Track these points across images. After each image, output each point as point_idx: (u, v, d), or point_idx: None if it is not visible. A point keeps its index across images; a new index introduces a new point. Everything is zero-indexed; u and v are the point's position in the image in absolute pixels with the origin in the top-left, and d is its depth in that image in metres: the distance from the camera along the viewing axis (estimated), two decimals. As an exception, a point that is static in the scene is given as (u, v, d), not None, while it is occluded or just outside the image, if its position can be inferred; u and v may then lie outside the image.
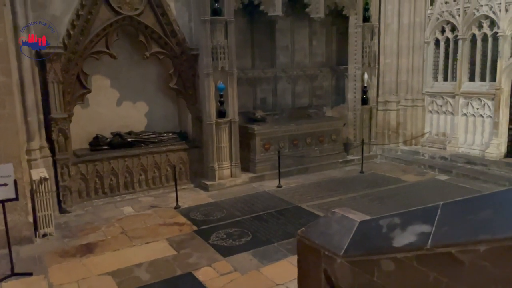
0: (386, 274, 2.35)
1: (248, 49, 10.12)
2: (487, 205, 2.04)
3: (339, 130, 10.35)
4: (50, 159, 7.22)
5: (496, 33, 8.89)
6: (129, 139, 8.30)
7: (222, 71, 8.42)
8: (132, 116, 8.78)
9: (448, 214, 2.20)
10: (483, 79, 9.46)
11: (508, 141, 9.22)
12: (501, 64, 8.87)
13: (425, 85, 10.58)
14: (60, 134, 7.28)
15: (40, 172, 6.58)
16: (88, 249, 5.89)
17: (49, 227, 6.37)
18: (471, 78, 9.71)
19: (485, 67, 9.36)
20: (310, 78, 11.11)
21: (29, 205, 6.21)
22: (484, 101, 9.37)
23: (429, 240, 2.11)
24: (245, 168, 9.21)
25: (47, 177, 6.44)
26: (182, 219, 7.00)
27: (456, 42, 9.80)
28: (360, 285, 2.53)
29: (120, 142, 8.23)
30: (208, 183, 8.60)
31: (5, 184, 4.94)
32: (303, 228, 3.25)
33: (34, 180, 6.31)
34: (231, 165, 8.84)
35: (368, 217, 2.82)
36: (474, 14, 9.27)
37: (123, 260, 5.52)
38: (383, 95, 10.88)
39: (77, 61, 7.49)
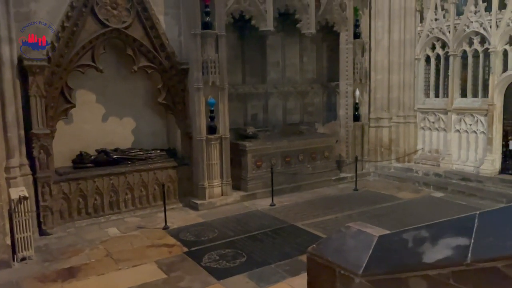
0: (416, 293, 2.05)
1: (239, 64, 9.94)
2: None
3: (332, 147, 10.14)
4: (30, 177, 6.80)
5: (487, 49, 8.90)
6: (115, 156, 7.92)
7: (213, 86, 8.18)
8: (118, 133, 8.42)
9: (488, 225, 1.94)
10: (475, 95, 9.42)
11: (502, 157, 9.13)
12: (493, 80, 8.85)
13: (417, 101, 10.52)
14: (41, 151, 6.88)
15: (20, 191, 6.14)
16: (70, 273, 5.43)
17: (28, 250, 5.90)
18: (463, 94, 9.67)
19: (477, 83, 9.34)
20: (301, 94, 10.96)
21: (7, 226, 5.72)
22: (477, 117, 9.31)
23: (469, 254, 1.84)
24: (236, 186, 8.88)
25: (27, 196, 6.00)
26: (171, 240, 6.60)
27: (447, 59, 9.79)
28: (386, 307, 2.21)
29: (106, 160, 7.85)
30: (198, 202, 8.23)
31: (-20, 203, 4.52)
32: (314, 245, 2.92)
33: (13, 199, 5.85)
34: (222, 183, 8.50)
35: (386, 231, 2.54)
36: (465, 31, 9.29)
37: (108, 285, 5.12)
38: (374, 112, 10.76)
39: (61, 75, 7.17)
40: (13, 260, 5.74)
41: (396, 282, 2.20)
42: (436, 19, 9.86)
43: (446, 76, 9.91)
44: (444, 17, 9.68)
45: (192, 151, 8.50)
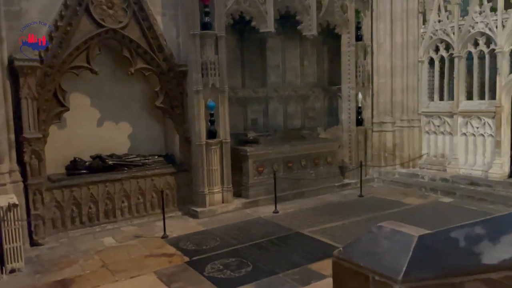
0: (474, 301, 1.71)
1: (238, 68, 9.65)
2: None
3: (335, 152, 9.84)
4: (21, 184, 6.40)
5: (493, 50, 8.68)
6: (110, 162, 7.55)
7: (213, 88, 7.88)
8: (114, 138, 8.06)
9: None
10: (481, 97, 9.18)
11: (511, 161, 8.87)
12: (500, 81, 8.62)
13: (421, 105, 10.26)
14: (33, 156, 6.50)
15: (9, 198, 5.74)
16: (63, 286, 5.03)
17: (18, 261, 5.49)
18: (469, 97, 9.43)
19: (483, 85, 9.11)
20: (302, 98, 10.68)
21: (-6, 236, 5.35)
22: (484, 119, 9.05)
23: (546, 252, 1.51)
24: (237, 193, 8.53)
25: (17, 203, 5.61)
26: (171, 250, 6.22)
27: (451, 61, 9.57)
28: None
29: (101, 166, 7.48)
30: (198, 209, 7.86)
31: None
32: (340, 249, 2.56)
33: (2, 207, 5.46)
34: (222, 189, 8.14)
35: (424, 231, 2.21)
36: (469, 32, 9.09)
37: (104, 298, 4.71)
38: (378, 116, 10.49)
39: (54, 76, 6.82)
40: (2, 272, 5.35)
41: (447, 288, 1.86)
42: (439, 21, 9.66)
43: (450, 78, 9.67)
44: (447, 18, 9.48)
45: (191, 156, 8.16)
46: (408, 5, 10.02)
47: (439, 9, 9.66)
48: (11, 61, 6.32)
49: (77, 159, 7.40)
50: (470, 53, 9.25)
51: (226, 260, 5.70)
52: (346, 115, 10.07)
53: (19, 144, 6.44)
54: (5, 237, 5.44)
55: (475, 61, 9.18)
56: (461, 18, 9.23)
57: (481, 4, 8.84)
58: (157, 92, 7.97)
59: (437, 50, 9.91)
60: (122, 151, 8.03)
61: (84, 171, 7.33)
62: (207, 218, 7.74)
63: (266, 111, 10.10)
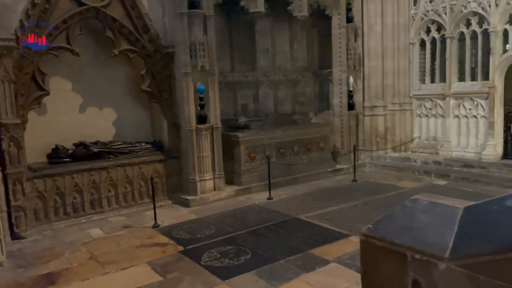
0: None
1: (227, 51, 9.29)
2: None
3: (327, 137, 9.62)
4: (-1, 174, 5.97)
5: (486, 29, 8.55)
6: (95, 150, 7.14)
7: (202, 71, 7.51)
8: (98, 125, 7.63)
9: None
10: (474, 78, 9.07)
11: (504, 142, 8.81)
12: (493, 61, 8.51)
13: (412, 88, 10.11)
14: (11, 143, 6.06)
15: (-14, 188, 5.33)
16: (49, 280, 4.66)
17: (-2, 255, 5.10)
18: (461, 78, 9.32)
19: (476, 66, 9.00)
20: (292, 83, 10.40)
21: (-29, 229, 4.94)
22: (477, 101, 8.95)
23: None
24: (229, 180, 8.22)
25: (-5, 194, 5.20)
26: (163, 239, 5.90)
27: (443, 42, 9.42)
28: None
29: (85, 154, 7.06)
30: (189, 198, 7.53)
31: None
32: (369, 226, 2.27)
33: (-22, 198, 5.05)
34: (214, 176, 7.83)
35: (469, 202, 1.96)
36: (462, 11, 8.94)
37: (95, 291, 4.37)
38: (369, 100, 10.30)
39: (32, 58, 6.35)
40: (-20, 267, 4.94)
41: (508, 264, 1.61)
42: (431, 1, 9.48)
43: (442, 60, 9.54)
44: (439, -2, 9.31)
45: (181, 143, 7.80)
46: (399, -14, 9.82)
47: (430, -11, 9.49)
48: (-16, 41, 5.83)
49: (59, 146, 6.96)
50: (462, 33, 9.11)
51: (223, 248, 5.41)
52: (338, 99, 9.84)
53: (-4, 130, 5.98)
54: (-17, 230, 5.04)
55: (467, 41, 9.05)
56: (453, -2, 9.07)
57: (473, -17, 8.69)
58: (143, 76, 7.56)
59: (428, 31, 9.75)
60: (106, 139, 7.61)
61: (67, 159, 6.91)
62: (199, 207, 7.42)
63: (256, 96, 9.79)
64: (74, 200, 6.80)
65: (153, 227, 6.41)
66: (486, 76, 8.76)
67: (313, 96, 10.73)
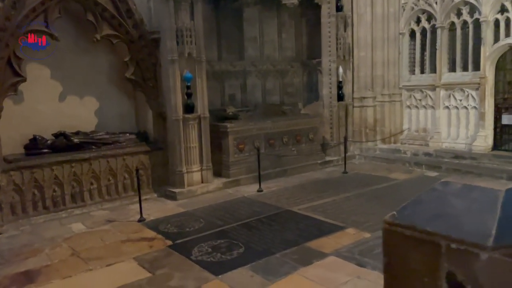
0: None
1: (214, 39, 8.97)
2: None
3: (317, 128, 9.41)
4: (-29, 166, 5.55)
5: (478, 19, 8.46)
6: (76, 140, 6.76)
7: (189, 58, 7.19)
8: (79, 115, 7.24)
9: None
10: (464, 68, 8.99)
11: (494, 133, 8.77)
12: (484, 52, 8.43)
13: (402, 79, 9.98)
14: (-15, 133, 5.64)
15: (-43, 180, 4.93)
16: (28, 278, 4.32)
17: (-30, 253, 4.71)
18: (452, 69, 9.23)
19: (467, 56, 8.91)
20: (281, 73, 10.14)
21: None
22: (467, 91, 8.87)
23: None
24: (217, 172, 7.94)
25: (-33, 186, 4.80)
26: (150, 233, 5.59)
27: (433, 32, 9.31)
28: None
29: (65, 144, 6.68)
30: (176, 190, 7.23)
31: None
32: (393, 213, 2.02)
33: None
34: (202, 168, 7.53)
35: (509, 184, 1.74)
36: (453, 1, 8.83)
37: (78, 289, 4.06)
38: (358, 91, 10.13)
39: (7, 41, 5.92)
40: (-49, 266, 4.56)
41: None
42: (421, -9, 9.35)
43: (432, 50, 9.42)
44: (430, -13, 9.18)
45: (167, 133, 7.48)
46: (389, -26, 9.65)
47: (421, -21, 9.35)
48: (-47, 21, 5.40)
49: (37, 137, 6.55)
50: (453, 23, 9.01)
51: (214, 242, 5.15)
52: (327, 89, 9.64)
53: (-32, 119, 5.56)
54: (-46, 226, 4.65)
55: (458, 31, 8.96)
56: (444, -13, 8.94)
57: (465, -28, 8.58)
58: (127, 63, 7.20)
59: (418, 21, 9.62)
60: (88, 129, 7.23)
61: (46, 150, 6.51)
62: (186, 199, 7.13)
63: (244, 86, 9.50)
64: (54, 194, 6.42)
65: (139, 221, 6.10)
66: (477, 67, 8.68)
67: (302, 87, 10.50)
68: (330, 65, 9.55)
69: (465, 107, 8.96)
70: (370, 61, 10.04)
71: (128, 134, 7.43)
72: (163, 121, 7.49)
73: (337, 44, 9.47)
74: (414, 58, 9.88)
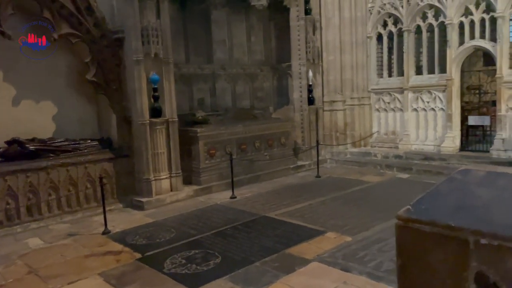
0: None
1: (181, 41, 8.63)
2: None
3: (288, 132, 9.22)
4: None
5: (443, 22, 8.60)
6: (31, 148, 6.20)
7: (156, 59, 6.82)
8: (35, 120, 6.68)
9: None
10: (431, 71, 9.10)
11: (461, 134, 8.91)
12: (450, 54, 8.56)
13: (370, 82, 10.00)
14: None
15: None
16: (-25, 302, 3.80)
17: None
18: (419, 72, 9.33)
19: (433, 59, 9.03)
20: (251, 77, 9.92)
21: None
22: (434, 93, 8.97)
23: None
24: (187, 179, 7.56)
25: None
26: (117, 246, 5.14)
27: (400, 35, 9.40)
28: None
29: (19, 152, 6.11)
30: (143, 200, 6.78)
31: None
32: (408, 207, 1.76)
33: None
34: (170, 175, 7.13)
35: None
36: (418, 5, 8.94)
37: (36, 312, 3.58)
38: (328, 94, 10.05)
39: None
40: None
41: None
42: (387, -5, 9.43)
43: (400, 54, 9.51)
44: (396, -9, 9.27)
45: (132, 139, 7.04)
46: (356, -21, 9.69)
47: (387, -17, 9.43)
48: None
49: (-13, 145, 5.95)
50: (418, 27, 9.12)
51: (188, 253, 4.77)
52: (298, 93, 9.49)
53: None
54: None
55: (424, 35, 9.08)
56: (410, -9, 9.05)
57: (430, -24, 8.71)
58: (88, 64, 6.73)
59: (385, 25, 9.69)
60: (45, 136, 6.67)
61: (-2, 159, 5.92)
62: (154, 209, 6.70)
63: (214, 90, 9.19)
64: (8, 206, 5.82)
65: (104, 233, 5.62)
66: (443, 69, 8.81)
67: (272, 91, 10.32)
68: (300, 69, 9.42)
69: (433, 109, 9.05)
70: (339, 64, 10.00)
71: (89, 141, 6.93)
72: (128, 126, 7.04)
73: (306, 47, 9.36)
74: (381, 61, 9.94)
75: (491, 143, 8.57)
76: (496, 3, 7.83)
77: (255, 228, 5.56)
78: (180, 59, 8.48)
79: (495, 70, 8.13)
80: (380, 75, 10.00)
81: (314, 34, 9.58)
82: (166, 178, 7.05)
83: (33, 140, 6.34)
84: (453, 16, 8.40)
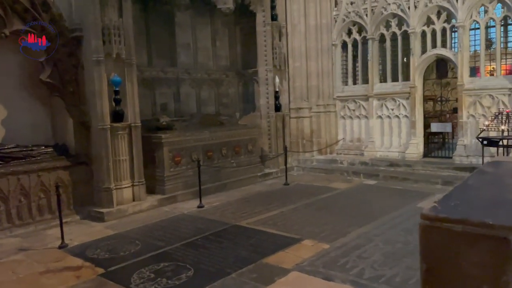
0: None
1: (143, 42, 8.23)
2: None
3: (255, 139, 9.01)
4: None
5: (406, 31, 8.77)
6: (-23, 155, 5.58)
7: (118, 60, 6.41)
8: (-19, 125, 6.06)
9: None
10: (395, 79, 9.24)
11: (424, 142, 9.09)
12: (413, 62, 8.74)
13: (336, 89, 10.02)
14: None
15: None
16: None
17: None
18: (383, 79, 9.45)
19: (397, 67, 9.18)
20: (216, 83, 9.65)
21: None
22: (399, 101, 9.11)
23: None
24: (150, 188, 7.12)
25: None
26: (76, 261, 4.67)
27: (364, 43, 9.50)
28: None
29: (-38, 159, 5.47)
30: (103, 210, 6.29)
31: None
32: (434, 204, 1.54)
33: None
34: (133, 184, 6.69)
35: None
36: (382, 13, 9.09)
37: None
38: (294, 101, 9.97)
39: None
40: None
41: None
42: (352, 3, 9.52)
43: (364, 61, 9.60)
44: (360, 0, 9.37)
45: (91, 145, 6.55)
46: (320, -14, 9.72)
47: (351, -9, 9.53)
48: None
49: None
50: (382, 35, 9.26)
51: (156, 266, 4.40)
52: (264, 99, 9.32)
53: None
54: None
55: (388, 43, 9.22)
56: (373, 0, 9.17)
57: (393, -15, 8.88)
58: (43, 64, 6.20)
59: (349, 33, 9.77)
60: (-7, 142, 6.06)
61: None
62: (115, 221, 6.23)
63: (178, 95, 8.83)
64: None
65: (60, 247, 5.11)
66: (406, 77, 8.97)
67: (238, 97, 10.09)
68: (266, 75, 9.27)
69: (397, 116, 9.18)
70: (305, 71, 9.96)
71: (43, 147, 6.36)
72: (87, 131, 6.55)
73: (273, 53, 9.25)
74: (346, 69, 10.00)
75: (452, 149, 8.79)
76: (457, 13, 8.07)
77: (228, 238, 5.26)
78: (142, 62, 8.07)
79: (448, 81, 8.37)
80: (345, 82, 10.05)
81: (280, 40, 9.48)
82: (128, 187, 6.60)
83: (-22, 146, 5.71)
84: (415, 25, 8.59)
